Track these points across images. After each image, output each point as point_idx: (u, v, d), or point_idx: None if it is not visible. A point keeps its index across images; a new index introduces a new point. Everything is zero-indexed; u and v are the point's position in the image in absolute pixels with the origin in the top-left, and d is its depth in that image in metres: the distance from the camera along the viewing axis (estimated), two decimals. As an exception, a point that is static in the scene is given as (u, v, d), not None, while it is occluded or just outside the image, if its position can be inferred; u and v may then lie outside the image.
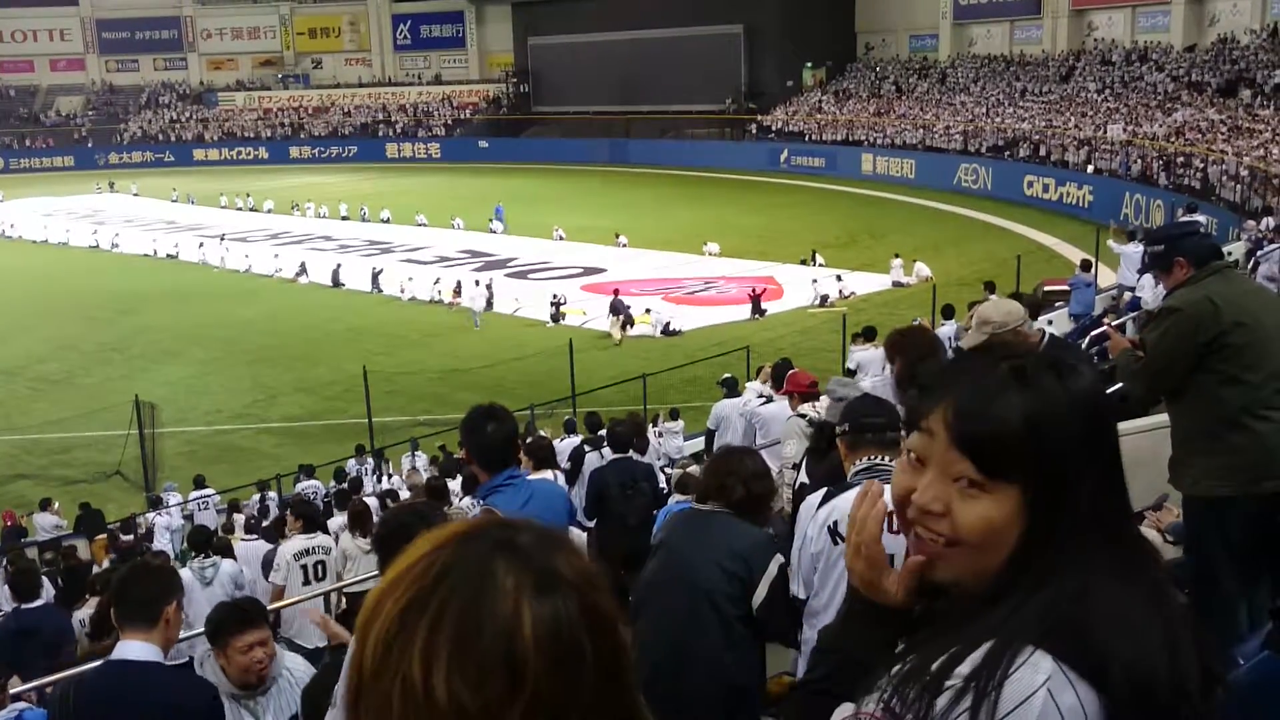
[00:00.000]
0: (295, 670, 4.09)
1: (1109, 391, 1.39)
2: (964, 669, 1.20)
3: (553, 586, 0.96)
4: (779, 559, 3.83)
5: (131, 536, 15.41)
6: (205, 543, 8.72)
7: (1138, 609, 1.24)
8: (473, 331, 27.44)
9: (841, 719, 1.35)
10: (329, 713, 3.29)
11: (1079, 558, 1.26)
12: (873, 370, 13.59)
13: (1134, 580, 1.27)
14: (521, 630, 0.93)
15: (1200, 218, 19.33)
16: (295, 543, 8.61)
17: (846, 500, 3.65)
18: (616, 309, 26.23)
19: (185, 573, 8.09)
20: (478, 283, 30.30)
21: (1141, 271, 15.38)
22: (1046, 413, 1.28)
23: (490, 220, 41.46)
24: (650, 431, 14.84)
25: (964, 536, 1.30)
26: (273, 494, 16.93)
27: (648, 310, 26.83)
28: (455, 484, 12.52)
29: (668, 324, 25.99)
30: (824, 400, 6.45)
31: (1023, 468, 1.27)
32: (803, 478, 5.14)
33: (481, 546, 0.98)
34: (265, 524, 13.72)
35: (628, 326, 25.97)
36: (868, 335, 16.54)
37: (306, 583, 8.36)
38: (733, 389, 12.73)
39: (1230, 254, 17.54)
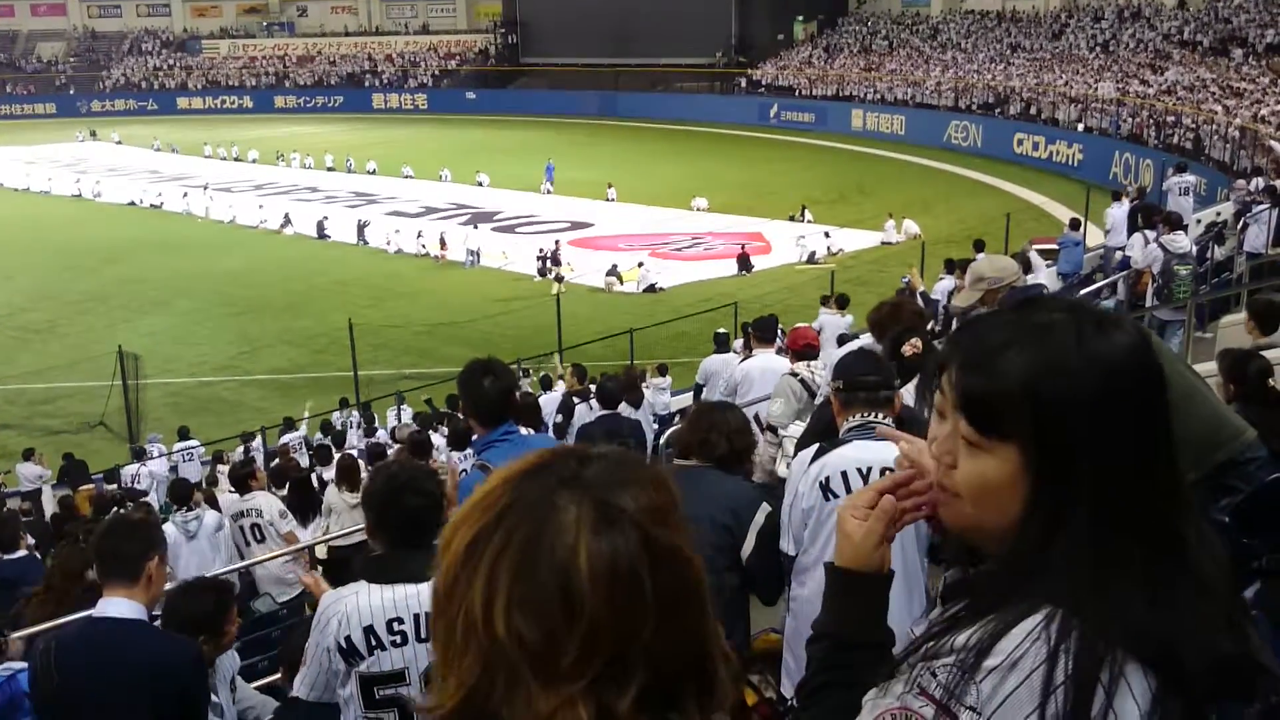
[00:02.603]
0: None
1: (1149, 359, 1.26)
2: (1005, 645, 1.17)
3: (613, 520, 0.96)
4: (765, 508, 3.82)
5: (115, 486, 15.37)
6: (187, 495, 8.67)
7: (1157, 610, 1.17)
8: (460, 285, 27.32)
9: (876, 715, 1.27)
10: (299, 670, 3.27)
11: (1091, 545, 1.20)
12: (831, 334, 13.76)
13: (1158, 582, 1.19)
14: (578, 564, 0.94)
15: (1190, 177, 19.26)
16: (231, 504, 8.73)
17: (839, 456, 3.63)
18: (555, 260, 26.21)
19: (169, 527, 8.05)
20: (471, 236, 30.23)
21: (1130, 230, 15.41)
22: (1049, 373, 1.22)
23: (544, 182, 39.82)
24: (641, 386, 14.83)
25: (959, 489, 1.30)
26: (257, 445, 16.89)
27: (640, 264, 26.76)
28: (437, 437, 12.52)
29: (652, 284, 25.93)
30: (819, 361, 6.40)
31: (1019, 430, 1.23)
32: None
33: (548, 480, 0.99)
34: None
35: (562, 279, 25.91)
36: (840, 303, 16.50)
37: (246, 544, 8.38)
38: (723, 345, 12.70)
39: (1219, 214, 17.59)
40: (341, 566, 7.52)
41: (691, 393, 12.52)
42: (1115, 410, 1.22)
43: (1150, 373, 1.25)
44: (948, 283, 13.23)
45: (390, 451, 13.00)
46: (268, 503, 8.66)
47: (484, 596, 0.94)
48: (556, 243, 27.18)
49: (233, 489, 9.41)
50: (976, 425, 1.26)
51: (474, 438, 4.38)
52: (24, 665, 3.59)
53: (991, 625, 1.19)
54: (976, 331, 1.32)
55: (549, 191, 39.16)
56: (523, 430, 4.37)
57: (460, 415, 9.04)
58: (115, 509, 11.18)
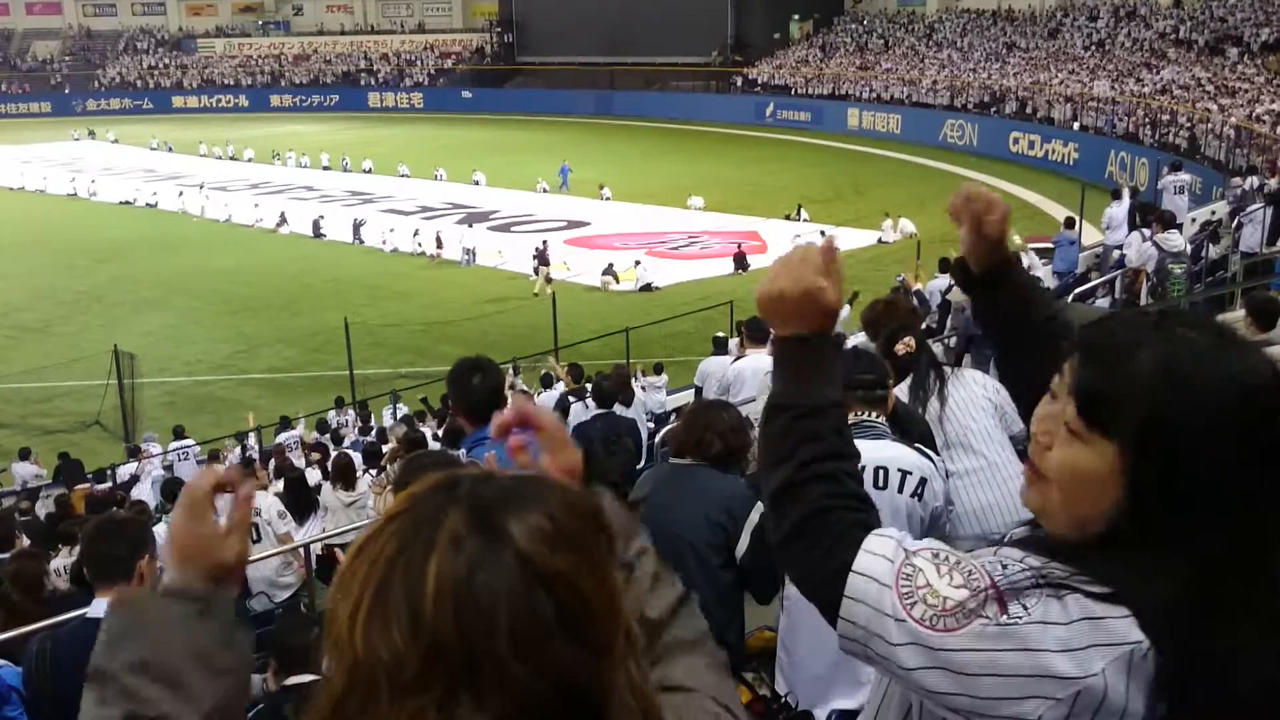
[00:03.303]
0: None
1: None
2: (1082, 585, 1.19)
3: (488, 537, 0.92)
4: (760, 506, 3.81)
5: (108, 485, 15.34)
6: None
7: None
8: (456, 284, 27.30)
9: (903, 551, 1.28)
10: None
11: (1189, 575, 1.18)
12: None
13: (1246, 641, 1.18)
14: (425, 580, 0.90)
15: (1185, 176, 19.28)
16: (230, 504, 8.62)
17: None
18: (542, 260, 26.19)
19: (161, 527, 8.03)
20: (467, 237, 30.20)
21: (1131, 227, 15.43)
22: (1174, 385, 1.20)
23: (560, 185, 39.62)
24: (634, 385, 14.83)
25: (1049, 473, 1.30)
26: (254, 444, 16.88)
27: (637, 263, 26.75)
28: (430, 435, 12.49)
29: (649, 283, 25.92)
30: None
31: (1125, 430, 1.22)
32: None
33: (443, 497, 0.95)
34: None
35: (550, 279, 25.86)
36: None
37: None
38: (721, 348, 12.71)
39: (1214, 213, 17.61)
40: (336, 564, 7.50)
41: (690, 392, 12.54)
42: (1231, 438, 1.19)
43: (1275, 413, 1.21)
44: (942, 281, 13.24)
45: (385, 449, 12.97)
46: (267, 503, 8.63)
47: (351, 608, 0.92)
48: (544, 242, 27.10)
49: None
50: (1084, 414, 1.26)
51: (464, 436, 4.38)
52: (4, 662, 3.60)
53: (1075, 578, 1.20)
54: (1109, 326, 1.31)
55: (564, 189, 39.03)
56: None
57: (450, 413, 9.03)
58: (114, 509, 11.15)
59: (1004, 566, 1.22)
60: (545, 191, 38.78)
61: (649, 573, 1.29)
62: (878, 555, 1.28)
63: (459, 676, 0.89)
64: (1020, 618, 1.17)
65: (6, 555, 7.00)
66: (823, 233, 29.05)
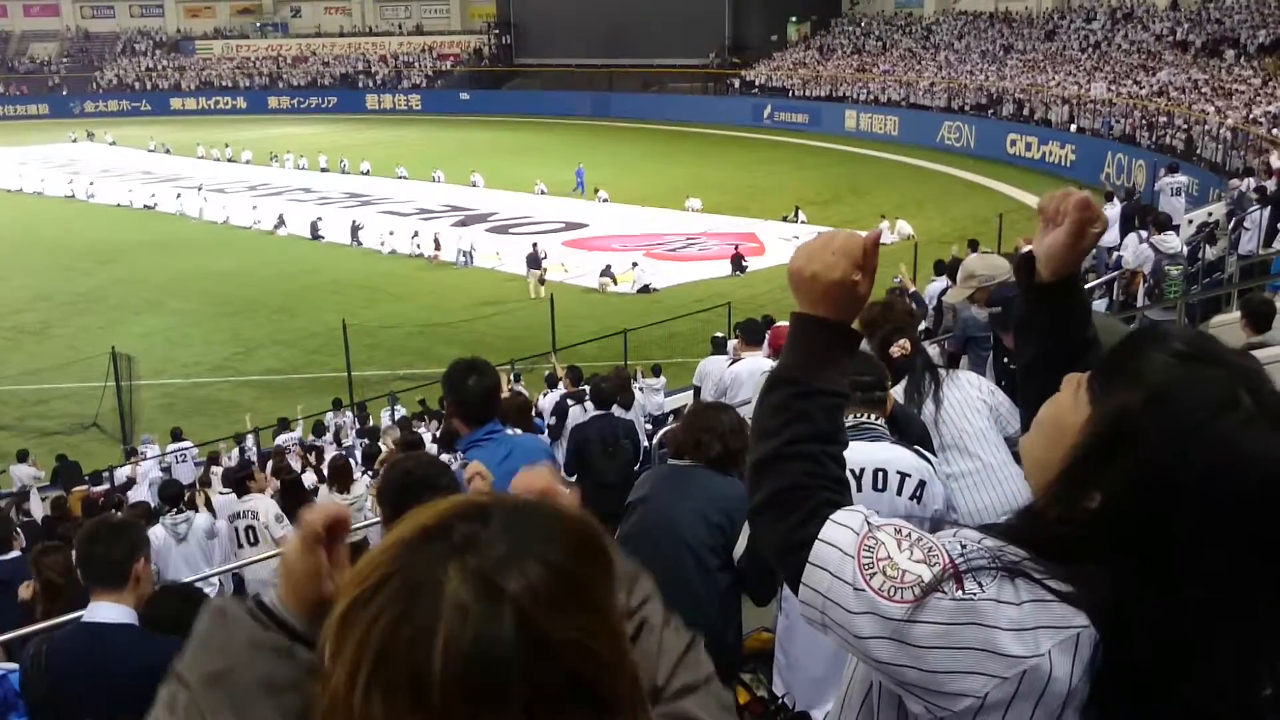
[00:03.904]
0: None
1: None
2: (1036, 570, 1.22)
3: (491, 603, 0.87)
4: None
5: (106, 487, 15.33)
6: (177, 496, 8.62)
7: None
8: (454, 285, 27.28)
9: (864, 531, 1.32)
10: None
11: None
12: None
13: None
14: (433, 652, 0.86)
15: (1181, 178, 19.31)
16: (227, 505, 8.65)
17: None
18: (533, 262, 26.18)
19: (159, 529, 8.04)
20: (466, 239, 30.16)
21: (1122, 232, 15.47)
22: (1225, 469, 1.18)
23: (574, 187, 39.02)
24: (632, 386, 14.84)
25: (1040, 418, 1.37)
26: (252, 446, 16.87)
27: (634, 264, 26.75)
28: (425, 435, 12.50)
29: (647, 285, 25.92)
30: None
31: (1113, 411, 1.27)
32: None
33: (439, 549, 0.91)
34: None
35: (543, 281, 25.81)
36: None
37: (240, 546, 8.34)
38: (720, 347, 12.71)
39: (1210, 215, 17.64)
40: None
41: (690, 393, 12.55)
42: (1238, 522, 1.18)
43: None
44: (939, 284, 13.22)
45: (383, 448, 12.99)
46: (265, 506, 8.63)
47: (349, 672, 0.88)
48: (535, 245, 27.03)
49: (225, 490, 9.37)
50: (1095, 387, 1.31)
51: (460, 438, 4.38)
52: (14, 666, 3.59)
53: (1028, 563, 1.23)
54: (1158, 343, 1.30)
55: (577, 191, 38.58)
56: (509, 430, 4.36)
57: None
58: (113, 510, 11.15)
59: (963, 546, 1.26)
60: (543, 193, 38.74)
61: (656, 625, 1.25)
62: (843, 526, 1.33)
63: None
64: (975, 594, 1.20)
65: (7, 556, 6.99)
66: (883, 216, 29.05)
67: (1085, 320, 1.66)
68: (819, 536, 1.33)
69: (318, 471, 12.67)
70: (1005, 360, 5.09)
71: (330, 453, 14.56)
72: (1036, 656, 1.17)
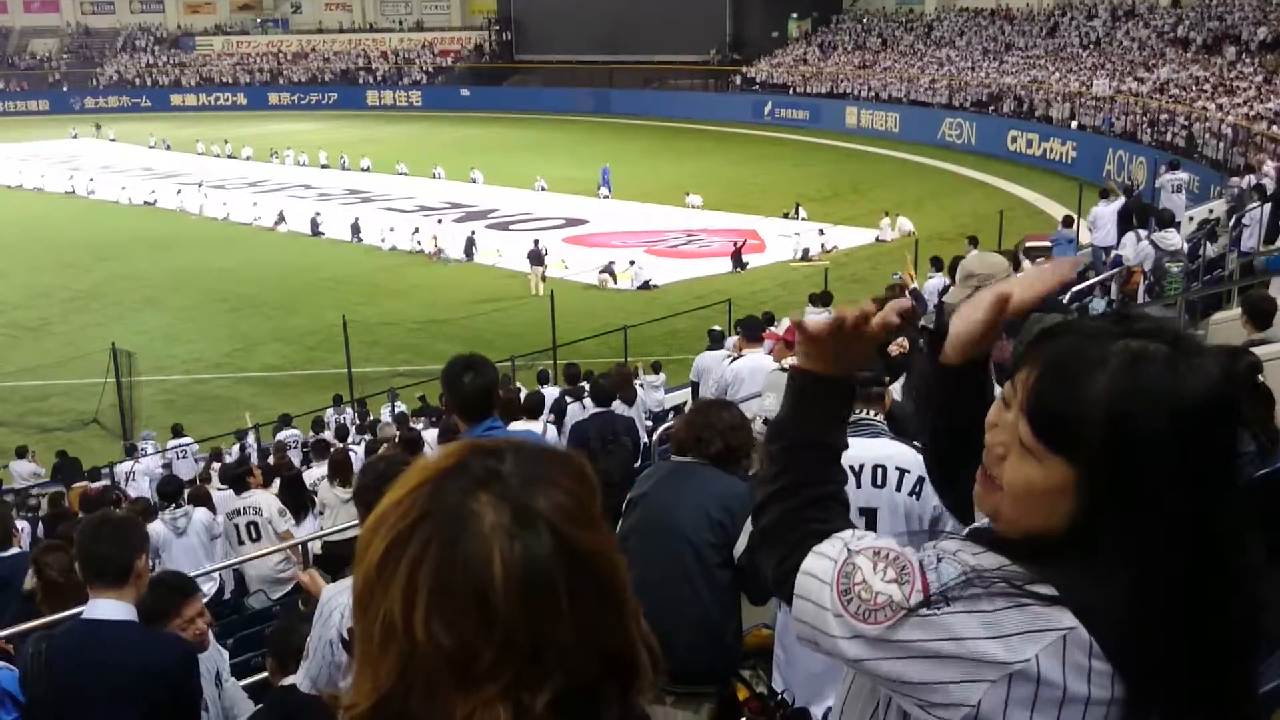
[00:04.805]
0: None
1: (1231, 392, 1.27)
2: (1014, 579, 1.23)
3: (528, 524, 0.97)
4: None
5: (106, 483, 15.32)
6: (176, 492, 8.62)
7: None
8: (454, 282, 27.28)
9: (843, 558, 1.34)
10: (302, 664, 3.27)
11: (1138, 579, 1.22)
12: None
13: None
14: (493, 572, 0.94)
15: (1182, 175, 19.27)
16: (227, 502, 8.66)
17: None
18: (536, 259, 26.17)
19: (158, 525, 8.03)
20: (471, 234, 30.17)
21: (1121, 229, 15.43)
22: (1137, 405, 1.21)
23: (599, 186, 38.01)
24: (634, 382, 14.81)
25: (1004, 485, 1.32)
26: (253, 443, 16.87)
27: (632, 262, 26.75)
28: (426, 434, 12.48)
29: (647, 281, 25.92)
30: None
31: (1084, 452, 1.24)
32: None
33: (465, 482, 0.99)
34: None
35: (544, 279, 25.76)
36: (825, 300, 16.54)
37: (241, 542, 8.34)
38: (717, 341, 12.70)
39: (1211, 212, 17.62)
40: (337, 561, 7.52)
41: (689, 389, 12.55)
42: (1194, 448, 1.22)
43: (1230, 412, 1.25)
44: (937, 280, 13.24)
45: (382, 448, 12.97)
46: (267, 501, 8.63)
47: (403, 604, 0.95)
48: (536, 241, 27.02)
49: (222, 486, 9.36)
50: (1041, 437, 1.27)
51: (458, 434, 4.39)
52: (4, 665, 3.59)
53: (1007, 569, 1.24)
54: (1067, 340, 1.30)
55: (606, 196, 37.46)
56: (508, 426, 4.37)
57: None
58: (111, 507, 11.15)
59: (939, 560, 1.28)
60: (544, 189, 38.72)
61: None
62: (823, 556, 1.37)
63: (527, 661, 0.94)
64: (942, 608, 1.23)
65: (7, 554, 6.99)
66: (821, 230, 29.07)
67: (980, 411, 1.48)
68: (802, 568, 1.38)
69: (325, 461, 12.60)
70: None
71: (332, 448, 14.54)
72: (1022, 661, 1.19)
